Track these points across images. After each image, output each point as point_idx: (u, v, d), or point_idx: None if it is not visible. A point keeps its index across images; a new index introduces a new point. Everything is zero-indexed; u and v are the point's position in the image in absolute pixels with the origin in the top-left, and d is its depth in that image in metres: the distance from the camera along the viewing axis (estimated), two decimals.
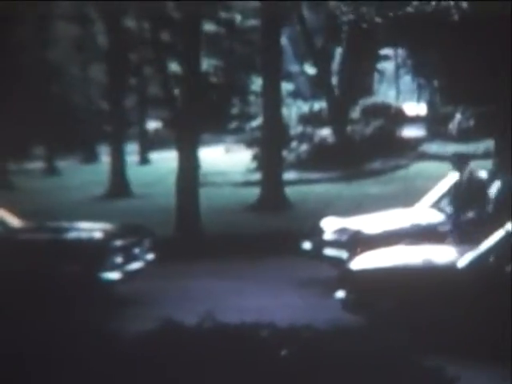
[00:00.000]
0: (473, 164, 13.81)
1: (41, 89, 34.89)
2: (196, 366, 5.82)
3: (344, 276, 10.73)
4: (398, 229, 13.24)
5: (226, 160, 31.92)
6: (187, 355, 5.91)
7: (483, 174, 13.71)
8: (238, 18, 34.13)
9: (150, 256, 13.13)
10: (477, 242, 10.15)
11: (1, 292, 10.63)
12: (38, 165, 36.70)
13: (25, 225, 13.18)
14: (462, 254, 10.07)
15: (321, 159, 26.64)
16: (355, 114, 30.12)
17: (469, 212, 13.24)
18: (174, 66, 26.50)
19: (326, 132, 28.27)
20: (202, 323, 6.49)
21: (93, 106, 39.22)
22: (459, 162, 13.52)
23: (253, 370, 5.85)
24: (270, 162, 22.71)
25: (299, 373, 5.85)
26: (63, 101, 37.57)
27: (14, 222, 13.07)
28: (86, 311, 7.02)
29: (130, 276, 12.33)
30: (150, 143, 37.45)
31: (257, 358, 5.96)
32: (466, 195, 13.23)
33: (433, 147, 27.78)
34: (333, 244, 13.45)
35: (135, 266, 12.57)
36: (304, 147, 27.77)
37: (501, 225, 10.02)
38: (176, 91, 23.94)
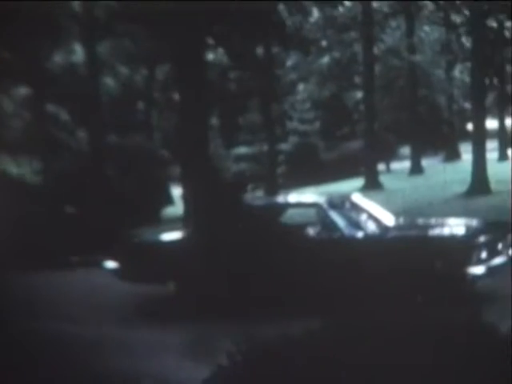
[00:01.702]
0: None
1: (409, 92, 36.36)
2: None
3: None
4: None
5: None
6: None
7: None
8: None
9: None
10: None
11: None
12: (403, 165, 38.17)
13: (395, 222, 14.02)
14: None
15: None
16: None
17: None
18: None
19: None
20: None
21: (455, 106, 39.94)
22: None
23: None
24: None
25: None
26: (428, 102, 38.67)
27: (387, 219, 13.93)
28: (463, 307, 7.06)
29: (493, 271, 12.63)
30: (508, 140, 37.45)
31: None
32: None
33: None
34: None
35: (498, 261, 12.84)
36: None
37: None
38: None
